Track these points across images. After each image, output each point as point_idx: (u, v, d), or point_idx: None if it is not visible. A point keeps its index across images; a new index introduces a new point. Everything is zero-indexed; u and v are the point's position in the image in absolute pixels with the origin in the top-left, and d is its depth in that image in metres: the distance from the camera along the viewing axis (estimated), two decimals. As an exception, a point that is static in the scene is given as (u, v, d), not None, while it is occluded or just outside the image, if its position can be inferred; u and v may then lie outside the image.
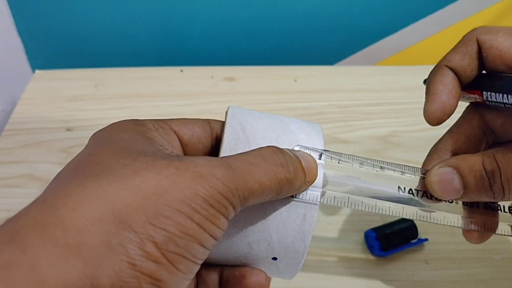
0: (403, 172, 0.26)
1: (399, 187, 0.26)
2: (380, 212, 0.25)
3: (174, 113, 0.49)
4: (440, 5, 0.57)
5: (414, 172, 0.27)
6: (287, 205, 0.24)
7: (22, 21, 0.56)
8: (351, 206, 0.25)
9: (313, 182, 0.24)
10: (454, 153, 0.28)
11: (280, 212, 0.24)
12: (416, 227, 0.37)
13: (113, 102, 0.51)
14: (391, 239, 0.36)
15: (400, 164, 0.26)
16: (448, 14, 0.58)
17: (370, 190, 0.26)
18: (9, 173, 0.43)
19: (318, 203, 0.24)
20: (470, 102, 0.29)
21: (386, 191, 0.25)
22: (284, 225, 0.24)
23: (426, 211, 0.26)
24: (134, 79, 0.54)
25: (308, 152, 0.25)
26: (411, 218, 0.26)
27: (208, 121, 0.26)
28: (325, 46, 0.61)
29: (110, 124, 0.24)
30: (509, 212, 0.26)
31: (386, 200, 0.25)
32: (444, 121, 0.27)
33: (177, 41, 0.59)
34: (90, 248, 0.16)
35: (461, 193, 0.25)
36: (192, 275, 0.20)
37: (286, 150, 0.23)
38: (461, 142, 0.29)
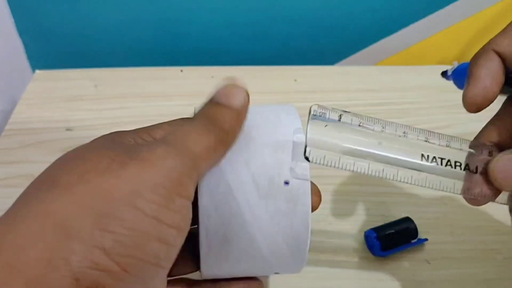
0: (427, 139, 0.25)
1: (422, 155, 0.25)
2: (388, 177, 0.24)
3: (174, 113, 0.48)
4: (441, 5, 0.57)
5: (440, 140, 0.25)
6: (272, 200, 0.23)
7: (22, 22, 0.56)
8: (347, 167, 0.24)
9: (247, 107, 0.23)
10: (500, 146, 0.27)
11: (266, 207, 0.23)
12: (416, 227, 0.37)
13: (113, 102, 0.51)
14: (391, 239, 0.36)
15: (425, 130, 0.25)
16: (448, 14, 0.58)
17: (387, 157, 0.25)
18: (9, 173, 0.43)
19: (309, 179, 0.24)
20: (509, 96, 0.27)
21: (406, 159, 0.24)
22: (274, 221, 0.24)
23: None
24: (134, 79, 0.54)
25: (327, 112, 0.25)
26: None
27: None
28: (325, 46, 0.61)
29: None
30: None
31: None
32: (483, 109, 0.26)
33: (177, 41, 0.59)
34: (31, 266, 0.16)
35: None
36: (159, 280, 0.19)
37: (201, 106, 0.23)
38: (505, 136, 0.27)
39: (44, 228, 0.16)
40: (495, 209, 0.40)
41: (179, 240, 0.19)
